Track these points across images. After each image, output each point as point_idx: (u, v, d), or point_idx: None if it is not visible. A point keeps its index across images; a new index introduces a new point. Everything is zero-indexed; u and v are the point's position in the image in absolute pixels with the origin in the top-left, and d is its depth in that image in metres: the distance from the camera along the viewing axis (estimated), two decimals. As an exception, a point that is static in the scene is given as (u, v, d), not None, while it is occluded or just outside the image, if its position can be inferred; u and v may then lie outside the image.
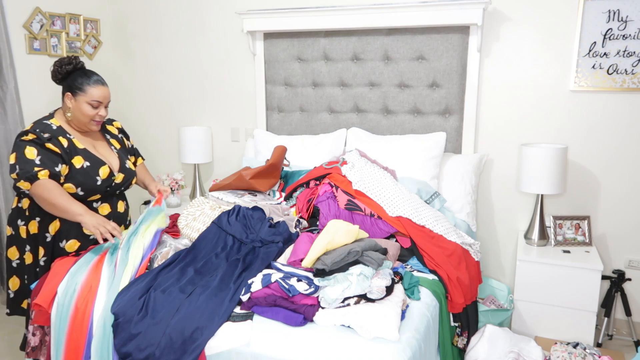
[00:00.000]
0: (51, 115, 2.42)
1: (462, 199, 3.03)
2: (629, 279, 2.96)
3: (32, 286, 2.24)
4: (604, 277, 2.86)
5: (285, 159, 3.09)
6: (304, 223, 2.68)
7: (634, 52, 2.83)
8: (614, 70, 2.88)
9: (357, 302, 1.96)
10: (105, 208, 2.45)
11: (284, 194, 2.94)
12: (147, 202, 4.08)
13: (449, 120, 3.20)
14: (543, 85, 3.04)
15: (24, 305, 2.41)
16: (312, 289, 1.99)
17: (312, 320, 1.93)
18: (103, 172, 2.38)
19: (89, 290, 2.06)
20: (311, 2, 3.40)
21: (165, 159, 4.10)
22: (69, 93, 2.35)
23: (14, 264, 2.37)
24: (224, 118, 3.85)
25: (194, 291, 2.04)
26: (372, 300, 1.97)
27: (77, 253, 2.36)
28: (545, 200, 3.09)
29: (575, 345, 2.56)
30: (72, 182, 2.29)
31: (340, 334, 1.85)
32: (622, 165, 2.97)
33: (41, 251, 2.34)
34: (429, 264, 2.40)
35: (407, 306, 2.06)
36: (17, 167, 2.21)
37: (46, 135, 2.27)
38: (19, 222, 2.34)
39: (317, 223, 2.67)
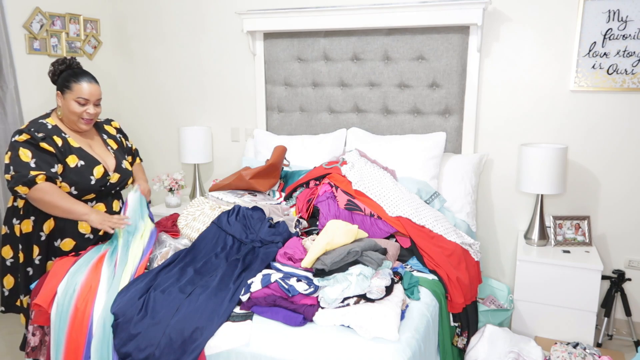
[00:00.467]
0: (47, 115, 2.43)
1: (462, 199, 3.03)
2: (629, 279, 2.96)
3: (32, 286, 2.25)
4: (604, 277, 2.86)
5: (285, 159, 3.09)
6: (304, 223, 2.68)
7: (634, 52, 2.82)
8: (614, 70, 2.88)
9: (356, 302, 1.96)
10: (100, 207, 2.45)
11: (283, 194, 2.94)
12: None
13: (449, 120, 3.20)
14: (543, 85, 3.03)
15: (18, 303, 2.41)
16: (312, 289, 1.99)
17: (311, 320, 1.93)
18: (97, 171, 2.38)
19: (88, 290, 2.06)
20: (311, 2, 3.40)
21: (165, 159, 4.10)
22: (58, 92, 2.38)
23: (8, 263, 2.38)
24: (224, 118, 3.85)
25: (193, 291, 2.04)
26: (372, 300, 1.97)
27: (77, 253, 2.36)
28: (545, 200, 3.09)
29: (575, 345, 2.56)
30: (66, 181, 2.30)
31: (339, 334, 1.85)
32: (622, 165, 2.96)
33: (36, 250, 2.34)
34: (429, 264, 2.39)
35: (407, 306, 2.06)
36: (12, 168, 2.22)
37: (40, 134, 2.27)
38: (14, 220, 2.35)
39: (317, 223, 2.67)
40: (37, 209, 2.30)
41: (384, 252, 2.20)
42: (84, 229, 2.38)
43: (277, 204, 2.81)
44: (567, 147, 2.89)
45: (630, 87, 2.86)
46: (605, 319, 2.89)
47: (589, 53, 2.90)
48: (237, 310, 1.99)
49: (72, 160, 2.33)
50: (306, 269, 2.13)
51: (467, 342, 2.47)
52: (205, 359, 1.84)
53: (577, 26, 2.90)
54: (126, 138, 2.73)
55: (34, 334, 2.18)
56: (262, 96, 3.64)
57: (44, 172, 2.22)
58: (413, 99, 3.25)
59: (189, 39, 3.82)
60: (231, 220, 2.48)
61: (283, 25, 3.35)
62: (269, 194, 2.97)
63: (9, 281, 2.40)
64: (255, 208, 2.60)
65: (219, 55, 3.76)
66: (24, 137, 2.25)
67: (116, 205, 2.55)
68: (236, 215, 2.52)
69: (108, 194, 2.50)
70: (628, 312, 2.90)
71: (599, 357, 2.47)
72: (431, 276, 2.36)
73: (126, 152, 2.68)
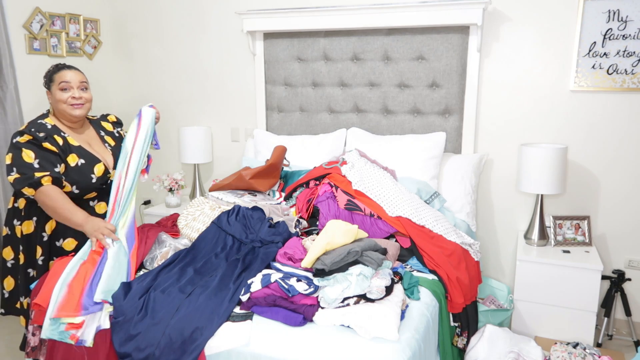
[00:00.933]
0: (45, 115, 2.43)
1: (462, 199, 3.03)
2: (629, 279, 2.96)
3: (32, 286, 2.25)
4: (603, 277, 2.86)
5: (285, 159, 3.09)
6: (304, 223, 2.68)
7: (634, 52, 2.82)
8: (614, 70, 2.88)
9: (356, 302, 1.96)
10: (102, 207, 2.46)
11: (283, 194, 2.94)
12: (146, 202, 4.08)
13: (448, 120, 3.20)
14: (543, 85, 3.03)
15: (18, 305, 2.41)
16: (312, 289, 1.99)
17: (311, 320, 1.93)
18: (98, 169, 2.38)
19: (84, 273, 2.11)
20: (311, 2, 3.39)
21: (165, 159, 4.10)
22: (47, 90, 2.41)
23: (9, 264, 2.38)
24: (224, 118, 3.85)
25: (193, 291, 2.04)
26: (372, 300, 1.97)
27: (76, 252, 2.36)
28: (545, 200, 3.09)
29: (575, 345, 2.56)
30: (67, 180, 2.30)
31: (339, 334, 1.85)
32: (622, 165, 2.96)
33: (39, 250, 2.34)
34: (429, 264, 2.40)
35: (407, 306, 2.06)
36: (15, 169, 2.21)
37: (42, 134, 2.27)
38: (15, 221, 2.35)
39: (317, 223, 2.67)
40: (38, 209, 2.31)
41: (384, 252, 2.20)
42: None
43: (277, 204, 2.81)
44: (567, 147, 2.89)
45: (630, 87, 2.86)
46: (605, 319, 2.89)
47: (588, 53, 2.90)
48: (237, 310, 1.99)
49: (73, 159, 2.33)
50: (306, 269, 2.13)
51: (467, 342, 2.47)
52: (205, 359, 1.84)
53: (577, 26, 2.90)
54: (122, 126, 2.74)
55: (34, 334, 2.17)
56: (262, 96, 3.64)
57: (49, 173, 2.22)
58: (413, 99, 3.25)
59: (189, 39, 3.82)
60: (231, 220, 2.48)
61: (283, 25, 3.35)
62: (269, 194, 2.97)
63: (9, 283, 2.40)
64: (255, 208, 2.60)
65: (219, 55, 3.76)
66: (25, 137, 2.25)
67: None
68: (236, 215, 2.52)
69: (109, 192, 2.49)
70: (628, 312, 2.90)
71: (599, 357, 2.47)
72: (431, 276, 2.36)
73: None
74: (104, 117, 2.70)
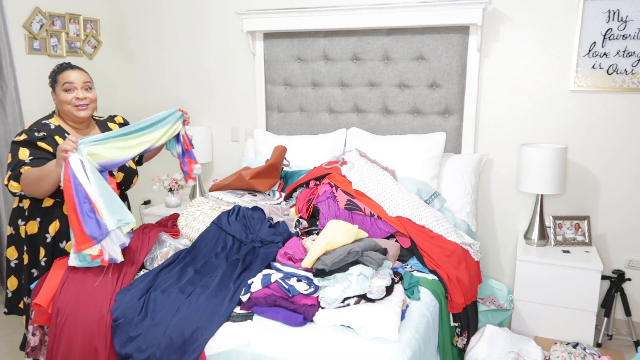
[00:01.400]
0: (50, 115, 2.43)
1: (461, 199, 3.03)
2: (629, 279, 2.96)
3: (32, 286, 2.24)
4: (603, 277, 2.86)
5: (285, 159, 3.09)
6: (304, 223, 2.68)
7: (634, 52, 2.83)
8: (614, 70, 2.88)
9: (357, 302, 1.96)
10: None
11: (283, 194, 2.94)
12: (146, 202, 4.08)
13: (448, 120, 3.21)
14: (543, 85, 3.04)
15: (22, 305, 2.41)
16: (312, 289, 1.99)
17: (312, 321, 1.93)
18: None
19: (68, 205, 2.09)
20: (311, 2, 3.40)
21: (164, 159, 4.09)
22: (51, 91, 2.40)
23: (12, 264, 2.38)
24: (223, 118, 3.85)
25: (193, 291, 2.04)
26: (372, 300, 1.97)
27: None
28: (545, 200, 3.09)
29: (575, 345, 2.56)
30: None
31: (340, 334, 1.85)
32: (622, 165, 2.97)
33: (42, 252, 2.34)
34: (429, 264, 2.40)
35: (407, 306, 2.06)
36: (10, 168, 2.22)
37: (40, 134, 2.27)
38: (19, 222, 2.35)
39: (317, 223, 2.67)
40: (42, 210, 2.30)
41: (384, 252, 2.20)
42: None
43: (277, 204, 2.81)
44: (566, 147, 2.89)
45: (630, 87, 2.86)
46: (605, 319, 2.89)
47: (588, 53, 2.90)
48: (238, 310, 1.99)
49: None
50: (306, 269, 2.13)
51: (467, 342, 2.47)
52: (205, 359, 1.84)
53: (577, 26, 2.90)
54: None
55: (34, 334, 2.17)
56: (262, 96, 3.64)
57: (30, 166, 2.19)
58: (413, 99, 3.25)
59: (189, 39, 3.82)
60: (231, 220, 2.48)
61: (283, 25, 3.35)
62: (269, 194, 2.97)
63: (12, 282, 2.40)
64: (255, 208, 2.60)
65: (218, 55, 3.76)
66: (23, 137, 2.25)
67: None
68: (236, 215, 2.52)
69: None
70: (628, 312, 2.90)
71: (599, 357, 2.47)
72: (431, 276, 2.36)
73: None
74: (111, 118, 2.68)
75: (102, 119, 2.65)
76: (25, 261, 2.35)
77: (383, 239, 2.49)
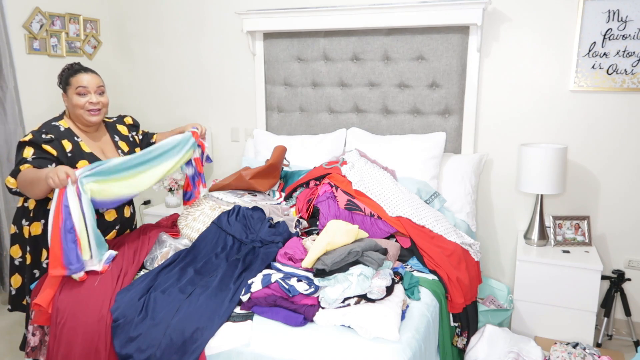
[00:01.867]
0: (60, 117, 2.41)
1: (461, 199, 3.03)
2: (629, 279, 2.96)
3: (32, 286, 2.24)
4: (603, 277, 2.86)
5: (285, 159, 3.09)
6: (304, 223, 2.68)
7: (634, 52, 2.83)
8: (614, 71, 2.88)
9: (357, 302, 1.96)
10: (111, 213, 2.43)
11: (283, 194, 2.94)
12: (146, 202, 4.08)
13: (448, 120, 3.21)
14: (543, 85, 3.04)
15: (25, 302, 2.42)
16: (312, 289, 1.99)
17: (312, 321, 1.93)
18: None
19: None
20: (311, 2, 3.39)
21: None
22: (63, 93, 2.38)
23: (17, 262, 2.39)
24: (223, 118, 3.85)
25: (194, 291, 2.04)
26: (372, 301, 1.98)
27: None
28: (545, 200, 3.09)
29: (575, 345, 2.56)
30: None
31: (340, 334, 1.85)
32: (621, 165, 2.97)
33: (44, 253, 2.34)
34: (429, 264, 2.40)
35: (407, 306, 2.06)
36: (14, 167, 2.21)
37: (47, 136, 2.26)
38: (23, 221, 2.35)
39: (317, 223, 2.67)
40: (47, 212, 2.29)
41: (384, 252, 2.20)
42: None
43: (277, 204, 2.81)
44: (566, 147, 2.89)
45: (630, 87, 2.86)
46: (605, 319, 2.89)
47: (588, 53, 2.91)
48: (238, 310, 1.99)
49: (83, 166, 2.30)
50: (307, 269, 2.13)
51: (467, 342, 2.47)
52: (205, 359, 1.84)
53: (577, 26, 2.90)
54: (138, 129, 2.70)
55: (34, 334, 2.17)
56: (262, 96, 3.64)
57: (31, 165, 2.17)
58: (413, 99, 3.25)
59: (189, 39, 3.82)
60: (231, 220, 2.48)
61: (283, 25, 3.35)
62: (269, 194, 2.97)
63: (16, 280, 2.40)
64: (255, 208, 2.60)
65: (219, 55, 3.76)
66: (29, 137, 2.24)
67: (127, 210, 2.53)
68: (236, 215, 2.52)
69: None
70: (628, 312, 2.90)
71: (599, 357, 2.48)
72: (431, 276, 2.36)
73: (144, 147, 2.65)
74: (121, 119, 2.66)
75: (111, 120, 2.63)
76: (28, 261, 2.36)
77: (383, 239, 2.49)
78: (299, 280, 2.03)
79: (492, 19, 3.06)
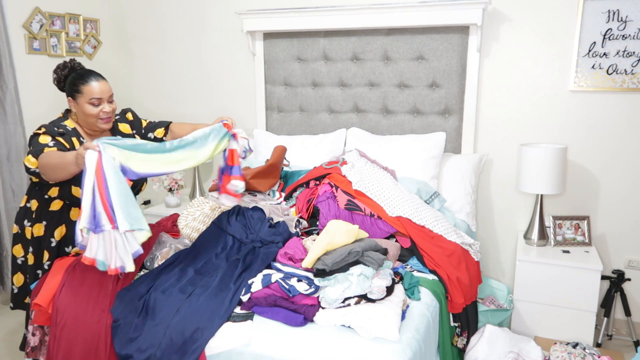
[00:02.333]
0: (65, 117, 2.40)
1: (461, 199, 3.03)
2: (629, 279, 2.96)
3: (32, 286, 2.25)
4: (603, 277, 2.86)
5: (285, 159, 3.08)
6: (304, 223, 2.68)
7: (634, 52, 2.83)
8: (614, 71, 2.88)
9: (357, 302, 1.96)
10: None
11: (283, 194, 2.94)
12: (146, 202, 4.08)
13: (448, 120, 3.21)
14: (543, 85, 3.04)
15: (27, 300, 2.42)
16: (313, 289, 1.99)
17: (312, 321, 1.93)
18: None
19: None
20: (311, 2, 3.39)
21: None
22: (70, 98, 2.34)
23: (19, 261, 2.40)
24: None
25: (194, 291, 2.04)
26: (373, 301, 1.98)
27: (77, 253, 2.35)
28: (545, 200, 3.09)
29: (575, 345, 2.56)
30: (79, 185, 2.28)
31: (340, 334, 1.85)
32: (621, 165, 2.97)
33: (45, 255, 2.34)
34: (429, 264, 2.40)
35: (408, 306, 2.06)
36: (30, 150, 2.18)
37: (59, 130, 2.26)
38: (25, 222, 2.35)
39: (317, 223, 2.67)
40: (49, 213, 2.29)
41: (384, 252, 2.20)
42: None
43: (277, 204, 2.81)
44: (566, 147, 2.89)
45: (630, 87, 2.86)
46: (605, 319, 2.89)
47: (588, 53, 2.91)
48: (238, 310, 1.99)
49: None
50: (307, 269, 2.13)
51: (467, 342, 2.47)
52: (205, 359, 1.84)
53: (577, 26, 2.90)
54: (139, 127, 2.63)
55: (33, 334, 2.17)
56: (261, 96, 3.64)
57: (55, 148, 2.15)
58: (413, 99, 3.25)
59: (189, 39, 3.82)
60: (231, 220, 2.48)
61: (283, 25, 3.35)
62: (269, 194, 2.97)
63: (19, 279, 2.41)
64: (255, 208, 2.60)
65: (218, 55, 3.76)
66: (42, 130, 2.24)
67: None
68: (236, 216, 2.52)
69: None
70: (628, 312, 2.90)
71: (599, 357, 2.48)
72: (431, 276, 2.36)
73: (150, 128, 2.63)
74: (123, 116, 2.61)
75: (115, 118, 2.60)
76: (30, 261, 2.36)
77: (383, 239, 2.49)
78: (299, 280, 2.03)
79: (492, 19, 3.06)
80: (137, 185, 2.51)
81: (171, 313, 1.93)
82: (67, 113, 2.43)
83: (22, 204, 2.38)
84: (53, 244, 2.33)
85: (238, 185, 2.34)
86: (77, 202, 2.29)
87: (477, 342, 2.47)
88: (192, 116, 3.93)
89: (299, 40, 3.43)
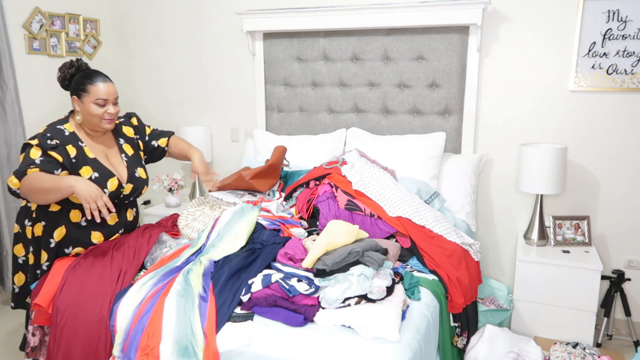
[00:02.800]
0: (65, 120, 2.39)
1: (461, 199, 3.03)
2: (629, 279, 2.97)
3: (33, 286, 2.24)
4: (603, 277, 2.86)
5: (285, 159, 3.08)
6: (304, 223, 2.68)
7: (634, 52, 2.83)
8: (614, 71, 2.88)
9: (357, 303, 1.96)
10: (113, 217, 2.41)
11: (283, 194, 2.94)
12: (146, 202, 4.08)
13: (448, 120, 3.21)
14: (543, 85, 3.04)
15: (28, 300, 2.42)
16: (313, 289, 1.99)
17: (312, 321, 1.93)
18: (111, 184, 2.34)
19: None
20: (311, 2, 3.39)
21: (164, 159, 4.09)
22: (74, 96, 2.34)
23: (20, 261, 2.39)
24: (223, 118, 3.85)
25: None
26: (373, 301, 1.98)
27: (77, 254, 2.35)
28: (545, 200, 3.09)
29: (575, 345, 2.56)
30: None
31: (340, 334, 1.85)
32: (621, 165, 2.97)
33: (44, 255, 2.32)
34: (429, 264, 2.40)
35: (408, 306, 2.06)
36: (19, 166, 2.19)
37: (53, 142, 2.24)
38: (26, 222, 2.34)
39: (317, 223, 2.67)
40: (48, 214, 2.29)
41: (384, 252, 2.20)
42: (96, 239, 2.36)
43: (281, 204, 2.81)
44: (566, 147, 2.89)
45: (630, 87, 2.86)
46: (605, 319, 2.89)
47: (588, 53, 2.91)
48: (238, 310, 1.99)
49: (87, 172, 2.29)
50: (307, 269, 2.13)
51: (467, 342, 2.47)
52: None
53: (577, 26, 2.90)
54: (143, 133, 2.66)
55: (33, 334, 2.17)
56: (261, 96, 3.64)
57: (38, 168, 2.15)
58: (413, 99, 3.25)
59: (189, 39, 3.82)
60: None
61: (283, 25, 3.35)
62: (268, 194, 2.97)
63: (19, 278, 2.41)
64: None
65: (218, 55, 3.76)
66: (35, 142, 2.22)
67: (130, 214, 2.52)
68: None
69: (121, 204, 2.47)
70: (628, 312, 2.90)
71: (599, 357, 2.48)
72: (431, 276, 2.36)
73: (149, 151, 2.66)
74: (128, 120, 2.63)
75: (118, 121, 2.60)
76: (31, 261, 2.35)
77: (383, 239, 2.49)
78: (299, 281, 2.03)
79: (492, 19, 3.06)
80: (138, 188, 2.50)
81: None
82: (70, 114, 2.42)
83: (23, 204, 2.38)
84: (52, 245, 2.32)
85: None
86: (76, 205, 2.29)
87: (477, 342, 2.47)
88: (192, 116, 3.93)
89: (299, 40, 3.43)
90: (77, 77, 2.34)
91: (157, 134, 2.71)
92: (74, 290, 2.07)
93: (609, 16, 2.83)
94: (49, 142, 2.23)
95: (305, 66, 3.46)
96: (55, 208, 2.31)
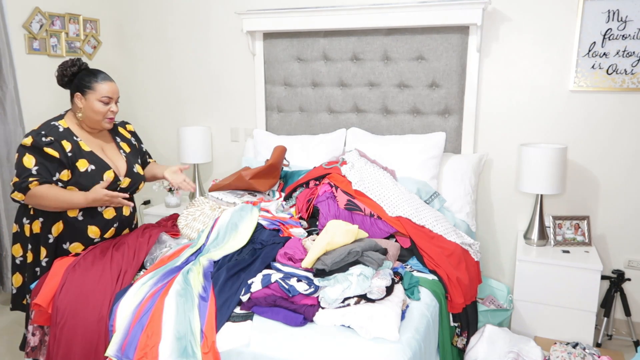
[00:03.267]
0: (61, 116, 2.41)
1: (461, 199, 3.03)
2: (629, 279, 2.97)
3: (32, 286, 2.24)
4: (603, 277, 2.86)
5: (285, 159, 3.08)
6: (304, 223, 2.68)
7: (634, 52, 2.83)
8: (614, 71, 2.88)
9: (357, 302, 1.96)
10: (110, 212, 2.43)
11: (283, 194, 2.94)
12: (146, 202, 4.08)
13: (448, 120, 3.21)
14: (543, 85, 3.04)
15: (25, 302, 2.42)
16: (312, 289, 1.99)
17: (312, 321, 1.93)
18: (107, 176, 2.36)
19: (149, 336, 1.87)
20: (311, 2, 3.39)
21: (164, 159, 4.09)
22: (78, 93, 2.35)
23: (17, 261, 2.39)
24: (223, 118, 3.85)
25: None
26: (372, 301, 1.98)
27: (77, 253, 2.35)
28: (545, 200, 3.09)
29: (575, 345, 2.56)
30: (75, 185, 2.29)
31: (340, 334, 1.85)
32: (621, 165, 2.97)
33: (43, 252, 2.34)
34: (429, 264, 2.40)
35: (407, 306, 2.06)
36: (15, 173, 2.23)
37: (47, 139, 2.25)
38: (24, 220, 2.35)
39: (317, 223, 2.67)
40: (45, 210, 2.30)
41: (384, 252, 2.20)
42: (93, 233, 2.38)
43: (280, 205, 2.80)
44: (566, 147, 2.89)
45: (630, 87, 2.86)
46: (605, 319, 2.89)
47: (588, 53, 2.91)
48: (238, 310, 1.99)
49: (83, 165, 2.31)
50: (306, 269, 2.13)
51: (467, 342, 2.47)
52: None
53: (577, 26, 2.90)
54: (140, 142, 2.72)
55: (33, 334, 2.17)
56: (261, 96, 3.64)
57: (39, 180, 2.21)
58: (413, 99, 3.25)
59: (189, 39, 3.82)
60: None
61: (283, 25, 3.35)
62: (268, 194, 2.97)
63: (17, 279, 2.41)
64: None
65: (218, 55, 3.76)
66: (29, 140, 2.24)
67: (126, 210, 2.52)
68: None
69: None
70: (627, 312, 2.90)
71: (599, 357, 2.48)
72: (431, 276, 2.36)
73: (140, 154, 2.67)
74: (123, 124, 2.68)
75: (115, 122, 2.63)
76: (29, 259, 2.36)
77: (383, 239, 2.49)
78: (298, 280, 2.03)
79: (492, 19, 3.06)
80: (136, 183, 2.51)
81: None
82: (66, 112, 2.44)
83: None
84: (50, 241, 2.33)
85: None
86: None
87: (477, 342, 2.47)
88: (192, 116, 3.93)
89: (299, 40, 3.43)
90: (81, 75, 2.37)
91: (144, 153, 2.76)
92: (74, 290, 2.07)
93: (609, 16, 2.83)
94: (43, 139, 2.25)
95: (305, 66, 3.46)
96: None
